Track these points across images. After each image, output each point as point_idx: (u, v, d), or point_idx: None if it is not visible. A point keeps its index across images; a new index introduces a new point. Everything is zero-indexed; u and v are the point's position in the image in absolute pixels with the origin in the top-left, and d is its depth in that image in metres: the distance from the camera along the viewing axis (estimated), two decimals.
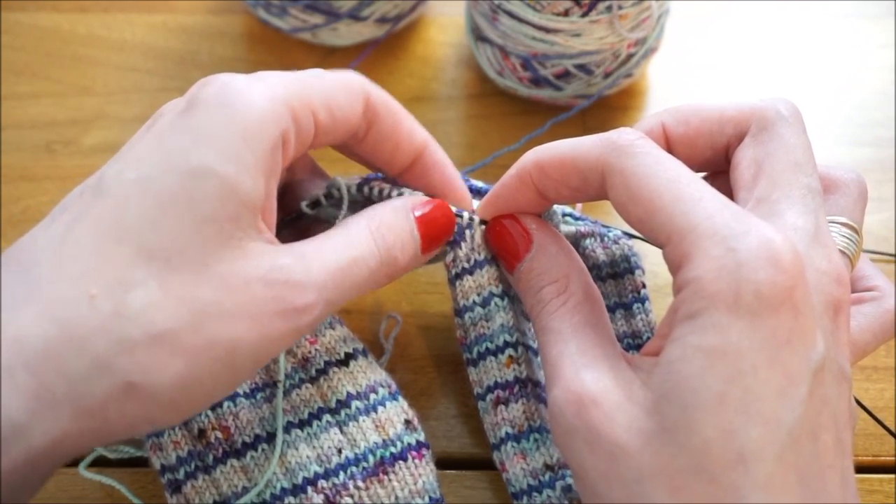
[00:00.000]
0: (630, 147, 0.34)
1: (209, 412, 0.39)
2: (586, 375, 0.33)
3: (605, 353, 0.34)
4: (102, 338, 0.29)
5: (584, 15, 0.52)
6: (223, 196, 0.31)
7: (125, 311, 0.29)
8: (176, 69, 0.62)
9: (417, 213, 0.38)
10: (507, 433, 0.40)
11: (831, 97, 0.60)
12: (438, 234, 0.39)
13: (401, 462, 0.39)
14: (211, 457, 0.39)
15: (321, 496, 0.38)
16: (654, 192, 0.32)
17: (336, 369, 0.41)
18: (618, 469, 0.30)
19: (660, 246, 0.33)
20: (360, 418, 0.40)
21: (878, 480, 0.44)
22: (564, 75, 0.56)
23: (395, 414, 0.41)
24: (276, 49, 0.62)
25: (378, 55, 0.62)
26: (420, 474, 0.40)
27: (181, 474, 0.39)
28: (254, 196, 0.32)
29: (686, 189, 0.32)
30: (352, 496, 0.38)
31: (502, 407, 0.40)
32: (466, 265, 0.40)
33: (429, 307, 0.50)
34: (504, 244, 0.39)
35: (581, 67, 0.56)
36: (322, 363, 0.41)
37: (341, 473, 0.39)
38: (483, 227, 0.40)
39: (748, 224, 0.30)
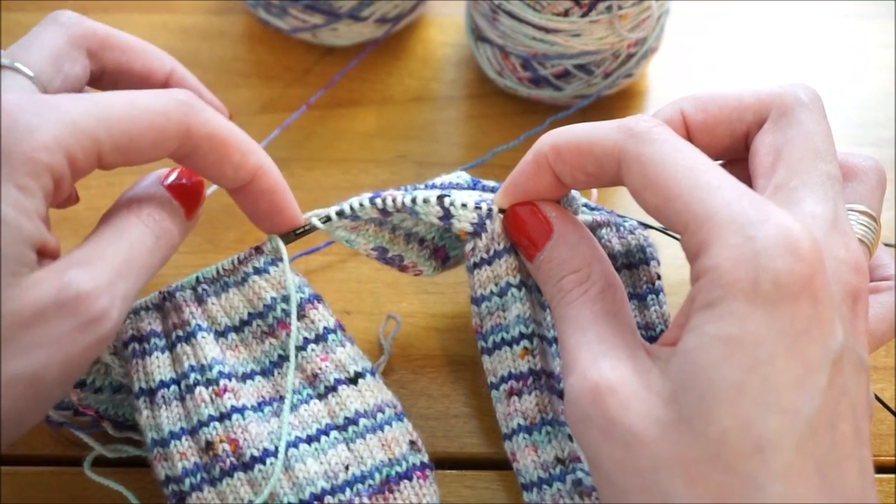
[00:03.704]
0: (647, 134, 0.33)
1: (217, 424, 0.39)
2: (604, 364, 0.32)
3: (624, 343, 0.33)
4: None
5: (584, 15, 0.52)
6: (7, 240, 0.31)
7: None
8: None
9: (167, 183, 0.38)
10: (519, 424, 0.40)
11: (831, 97, 0.60)
12: (193, 196, 0.39)
13: (406, 481, 0.40)
14: (218, 469, 0.38)
15: None
16: (671, 179, 0.32)
17: (345, 387, 0.41)
18: (633, 458, 0.30)
19: (677, 233, 0.32)
20: (367, 436, 0.40)
21: (877, 480, 0.44)
22: (564, 75, 0.56)
23: (401, 434, 0.41)
24: (276, 49, 0.63)
25: (378, 55, 0.62)
26: (424, 494, 0.40)
27: (186, 486, 0.38)
28: (35, 235, 0.32)
29: (704, 176, 0.32)
30: None
31: (515, 398, 0.40)
32: (485, 255, 0.40)
33: (429, 307, 0.50)
34: (523, 233, 0.38)
35: (581, 67, 0.56)
36: (332, 380, 0.41)
37: (348, 490, 0.39)
38: (501, 216, 0.39)
39: (766, 212, 0.30)
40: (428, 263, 0.44)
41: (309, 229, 0.41)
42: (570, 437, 0.40)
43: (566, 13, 0.52)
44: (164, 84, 0.45)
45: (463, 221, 0.39)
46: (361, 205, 0.40)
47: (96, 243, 0.35)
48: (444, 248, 0.44)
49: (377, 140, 0.58)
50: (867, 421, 0.32)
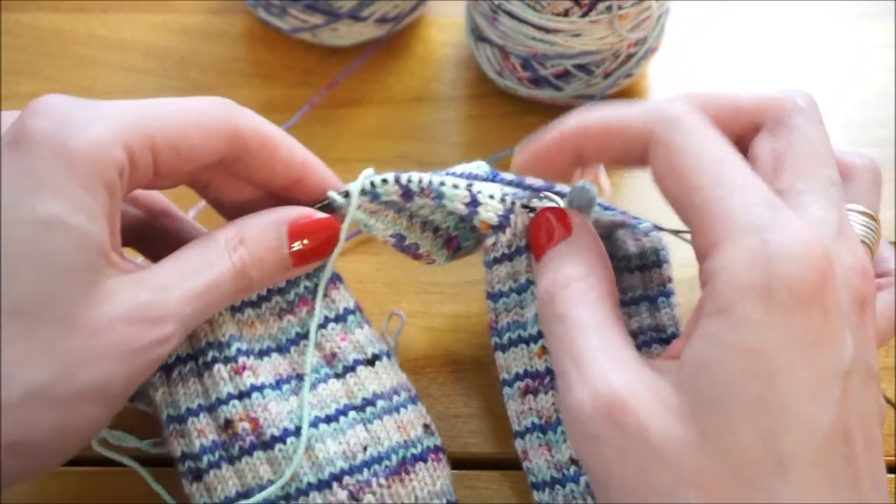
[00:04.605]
0: (679, 120, 0.33)
1: (237, 402, 0.39)
2: (615, 378, 0.31)
3: (630, 356, 0.32)
4: None
5: (584, 15, 0.52)
6: (79, 247, 0.31)
7: None
8: (176, 69, 0.62)
9: (291, 225, 0.38)
10: (532, 423, 0.40)
11: (831, 97, 0.60)
12: (316, 248, 0.39)
13: (421, 463, 0.40)
14: (237, 447, 0.38)
15: (345, 492, 0.38)
16: (695, 169, 0.31)
17: (363, 367, 0.41)
18: (651, 476, 0.29)
19: (689, 226, 0.32)
20: (384, 417, 0.40)
21: None
22: (564, 75, 0.56)
23: (416, 417, 0.41)
24: (276, 49, 0.62)
25: (378, 55, 0.62)
26: (438, 476, 0.40)
27: (204, 463, 0.38)
28: (104, 241, 0.32)
29: (729, 172, 0.31)
30: (374, 494, 0.38)
31: (531, 396, 0.40)
32: (507, 251, 0.39)
33: (430, 307, 0.50)
34: (543, 233, 0.38)
35: (581, 67, 0.56)
36: (351, 360, 0.41)
37: (365, 470, 0.39)
38: (524, 211, 0.39)
39: (783, 217, 0.30)
40: (441, 252, 0.43)
41: (327, 204, 0.40)
42: None
43: (566, 13, 0.52)
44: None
45: (489, 211, 0.39)
46: (385, 181, 0.39)
47: (180, 268, 0.35)
48: (456, 239, 0.43)
49: (377, 140, 0.58)
50: (877, 428, 0.32)
